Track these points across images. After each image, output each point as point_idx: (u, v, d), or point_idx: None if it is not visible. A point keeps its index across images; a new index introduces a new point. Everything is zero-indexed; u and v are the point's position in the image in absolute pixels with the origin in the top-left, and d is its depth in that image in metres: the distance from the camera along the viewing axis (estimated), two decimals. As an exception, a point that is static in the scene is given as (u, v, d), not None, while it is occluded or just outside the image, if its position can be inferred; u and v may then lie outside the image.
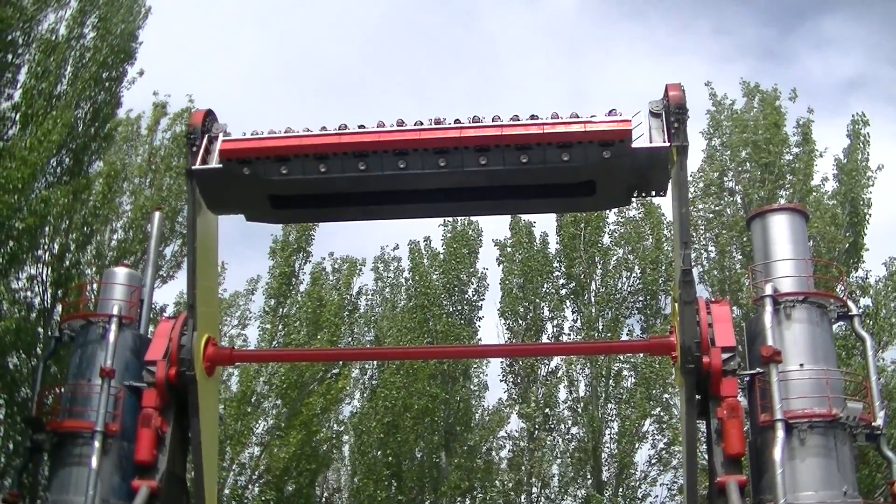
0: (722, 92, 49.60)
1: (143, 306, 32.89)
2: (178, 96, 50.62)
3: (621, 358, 49.91)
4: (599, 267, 51.89)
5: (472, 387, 53.28)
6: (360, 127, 26.78)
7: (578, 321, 51.42)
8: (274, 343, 48.72)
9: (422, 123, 26.49)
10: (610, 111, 25.98)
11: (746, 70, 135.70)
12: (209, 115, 27.73)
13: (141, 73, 41.96)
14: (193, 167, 27.04)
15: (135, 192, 45.71)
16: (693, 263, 29.46)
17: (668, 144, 25.29)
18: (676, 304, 28.14)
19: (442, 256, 54.98)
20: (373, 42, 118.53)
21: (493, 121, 26.23)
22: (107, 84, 39.80)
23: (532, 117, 26.12)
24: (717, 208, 47.61)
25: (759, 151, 46.67)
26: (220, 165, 26.98)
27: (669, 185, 26.56)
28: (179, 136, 46.15)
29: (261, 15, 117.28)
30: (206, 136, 27.28)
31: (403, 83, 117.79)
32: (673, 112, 25.31)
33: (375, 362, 53.87)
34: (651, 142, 25.55)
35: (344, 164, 26.50)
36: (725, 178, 47.88)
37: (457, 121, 26.43)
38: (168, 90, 52.33)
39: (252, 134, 27.36)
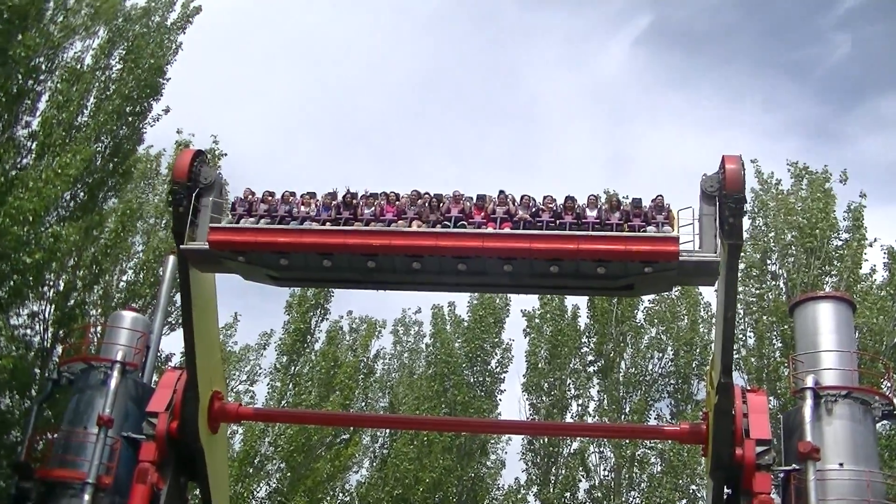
0: (769, 170, 48.75)
1: (150, 353, 32.41)
2: (202, 136, 49.96)
3: (647, 443, 48.48)
4: (630, 345, 51.09)
5: (488, 463, 52.58)
6: (365, 199, 25.68)
7: (605, 401, 50.28)
8: (283, 402, 48.23)
9: (441, 198, 25.53)
10: (655, 198, 25.17)
11: (796, 148, 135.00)
12: (197, 159, 26.06)
13: (166, 111, 41.36)
14: (182, 247, 25.84)
15: (149, 232, 45.31)
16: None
17: (718, 259, 24.11)
18: (711, 395, 27.49)
19: (466, 323, 54.52)
20: (410, 96, 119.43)
21: (520, 200, 25.33)
22: (130, 118, 39.22)
23: (568, 200, 25.15)
24: (758, 292, 46.37)
25: (805, 235, 45.45)
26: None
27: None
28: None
29: (293, 61, 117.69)
30: (195, 193, 25.63)
31: (439, 139, 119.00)
32: (728, 205, 23.70)
33: (388, 430, 53.34)
34: (701, 238, 24.23)
35: (351, 261, 25.56)
36: (768, 261, 46.69)
37: (479, 197, 25.47)
38: (192, 129, 51.74)
39: (245, 195, 26.39)
